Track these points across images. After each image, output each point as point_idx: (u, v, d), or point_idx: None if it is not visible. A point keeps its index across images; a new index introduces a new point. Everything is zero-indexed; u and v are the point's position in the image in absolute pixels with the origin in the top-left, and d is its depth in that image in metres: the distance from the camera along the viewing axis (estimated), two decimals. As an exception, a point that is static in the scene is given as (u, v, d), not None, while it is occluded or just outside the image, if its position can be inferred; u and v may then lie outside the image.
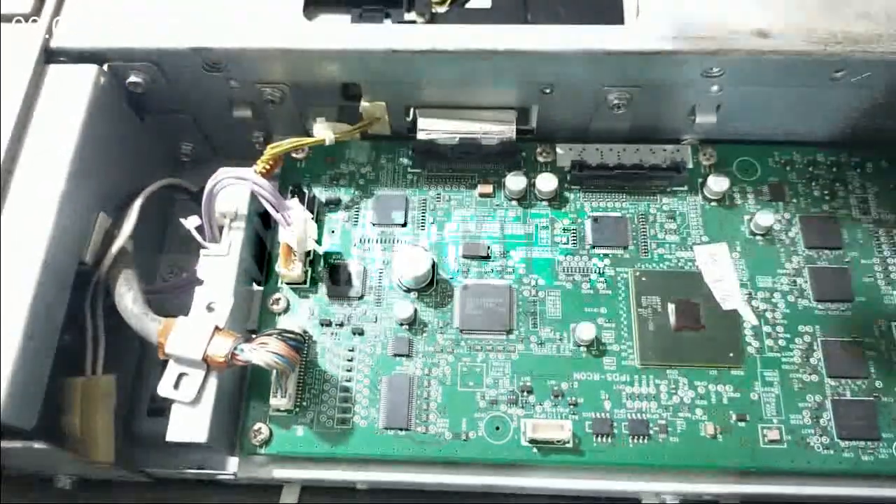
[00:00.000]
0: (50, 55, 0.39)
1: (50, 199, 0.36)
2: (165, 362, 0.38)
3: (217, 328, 0.36)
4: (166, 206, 0.48)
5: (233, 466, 0.39)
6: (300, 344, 0.37)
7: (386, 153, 0.46)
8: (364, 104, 0.43)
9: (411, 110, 0.44)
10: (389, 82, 0.42)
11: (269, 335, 0.36)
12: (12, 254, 0.34)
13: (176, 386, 0.36)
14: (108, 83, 0.39)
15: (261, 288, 0.42)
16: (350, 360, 0.40)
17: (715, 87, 0.41)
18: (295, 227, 0.40)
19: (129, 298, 0.37)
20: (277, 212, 0.39)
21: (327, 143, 0.43)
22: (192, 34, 0.39)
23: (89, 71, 0.39)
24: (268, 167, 0.42)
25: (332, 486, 0.41)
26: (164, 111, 0.44)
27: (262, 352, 0.35)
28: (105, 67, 0.39)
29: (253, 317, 0.42)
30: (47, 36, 0.39)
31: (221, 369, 0.36)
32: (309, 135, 0.45)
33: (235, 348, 0.35)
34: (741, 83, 0.41)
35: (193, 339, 0.36)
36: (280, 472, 0.39)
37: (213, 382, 0.36)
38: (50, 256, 0.35)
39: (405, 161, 0.46)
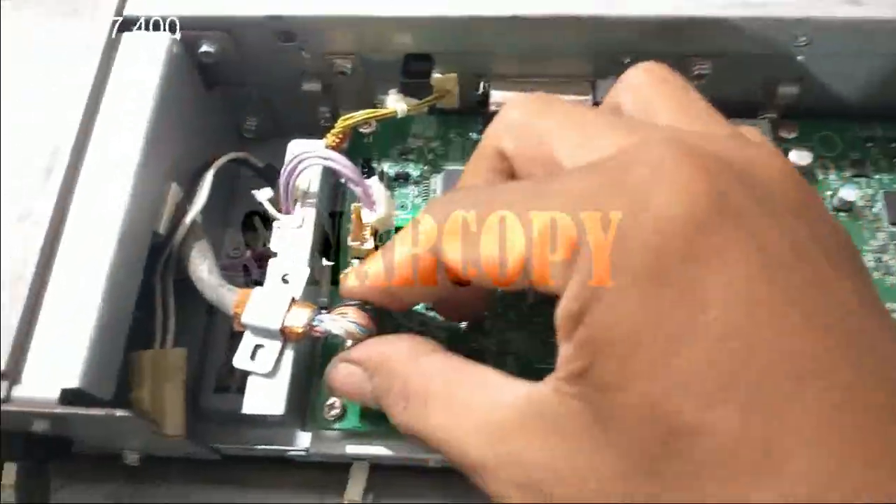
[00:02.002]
0: (124, 24, 0.38)
1: (126, 167, 0.35)
2: (232, 338, 0.37)
3: (294, 299, 0.35)
4: (230, 183, 0.47)
5: (305, 442, 0.39)
6: (378, 314, 0.36)
7: (455, 127, 0.45)
8: (436, 76, 0.42)
9: (481, 84, 0.43)
10: (462, 53, 0.41)
11: (348, 306, 0.35)
12: (90, 222, 0.34)
13: (252, 357, 0.35)
14: (180, 52, 0.39)
15: (331, 263, 0.42)
16: (422, 334, 0.39)
17: (800, 58, 0.40)
18: (378, 206, 0.39)
19: (204, 269, 0.37)
20: (360, 190, 0.39)
21: (399, 114, 0.42)
22: (267, 2, 0.38)
23: (163, 39, 0.38)
24: (338, 140, 0.41)
25: (403, 465, 0.40)
26: (232, 83, 0.44)
27: (342, 321, 0.34)
28: (178, 36, 0.39)
29: (324, 292, 0.41)
30: (121, 4, 0.38)
31: (299, 340, 0.35)
32: (376, 110, 0.44)
33: (314, 319, 0.34)
34: (827, 53, 0.40)
35: (271, 310, 0.35)
36: (353, 448, 0.38)
37: (289, 354, 0.35)
38: (126, 225, 0.34)
39: (474, 135, 0.45)
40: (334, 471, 0.42)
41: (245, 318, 0.35)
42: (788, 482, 0.18)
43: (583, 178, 0.23)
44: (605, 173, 0.22)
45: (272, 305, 0.35)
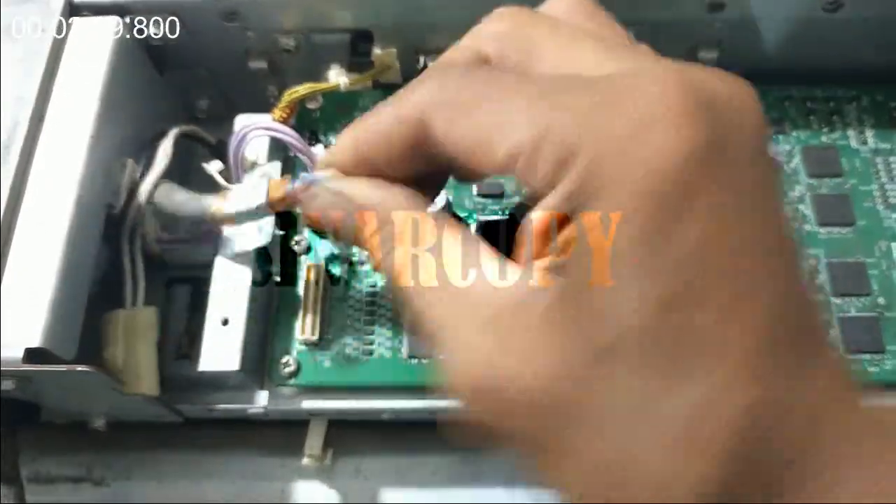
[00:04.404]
0: (74, 9, 0.40)
1: (79, 144, 0.37)
2: (191, 310, 0.39)
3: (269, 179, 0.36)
4: (186, 161, 0.49)
5: (263, 400, 0.41)
6: None
7: (398, 101, 0.47)
8: (376, 51, 0.45)
9: (420, 58, 0.46)
10: (400, 27, 0.43)
11: None
12: (48, 190, 0.36)
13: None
14: (128, 34, 0.41)
15: (282, 232, 0.44)
16: (373, 296, 0.42)
17: (717, 24, 0.43)
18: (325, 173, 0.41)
19: (180, 194, 0.39)
20: (307, 158, 0.41)
21: (342, 88, 0.44)
22: (211, -17, 0.40)
23: (110, 22, 0.40)
24: (285, 114, 0.43)
25: (359, 420, 0.43)
26: (182, 66, 0.46)
27: (327, 170, 0.33)
28: (126, 19, 0.41)
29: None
30: (72, -10, 0.40)
31: (290, 206, 0.35)
32: (323, 86, 0.46)
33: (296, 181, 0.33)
34: (741, 18, 0.43)
35: (252, 192, 0.36)
36: (308, 403, 0.40)
37: (242, 314, 0.38)
38: (81, 196, 0.36)
39: (416, 108, 0.47)
40: (296, 432, 0.44)
41: (230, 208, 0.37)
42: (696, 383, 0.21)
43: (585, 90, 0.23)
44: (608, 90, 0.23)
45: (252, 189, 0.36)
